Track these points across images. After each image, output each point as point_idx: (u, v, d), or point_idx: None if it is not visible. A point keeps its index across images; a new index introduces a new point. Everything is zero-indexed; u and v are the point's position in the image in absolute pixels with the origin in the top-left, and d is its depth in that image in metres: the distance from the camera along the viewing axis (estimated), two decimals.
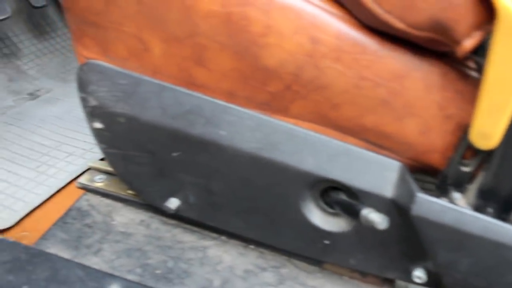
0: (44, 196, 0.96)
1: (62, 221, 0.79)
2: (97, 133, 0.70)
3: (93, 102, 0.67)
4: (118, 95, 0.65)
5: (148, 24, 0.57)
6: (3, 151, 1.10)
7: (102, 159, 1.06)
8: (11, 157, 1.08)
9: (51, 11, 1.53)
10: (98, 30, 0.62)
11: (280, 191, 0.61)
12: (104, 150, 0.71)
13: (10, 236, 0.82)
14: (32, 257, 0.69)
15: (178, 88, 0.61)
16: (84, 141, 1.12)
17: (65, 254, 0.73)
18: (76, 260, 0.72)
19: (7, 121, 1.20)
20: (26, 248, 0.70)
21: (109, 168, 0.85)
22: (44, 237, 0.77)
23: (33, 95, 1.31)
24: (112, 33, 0.61)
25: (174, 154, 0.65)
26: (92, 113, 0.68)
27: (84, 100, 0.68)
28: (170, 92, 0.62)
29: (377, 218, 0.49)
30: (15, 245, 0.71)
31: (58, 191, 0.98)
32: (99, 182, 0.83)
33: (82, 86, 0.67)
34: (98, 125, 0.69)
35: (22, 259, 0.69)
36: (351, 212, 0.55)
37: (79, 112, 1.24)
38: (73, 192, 0.98)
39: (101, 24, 0.61)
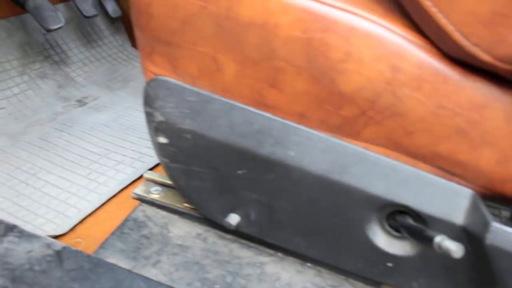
0: (95, 203, 0.98)
1: (119, 231, 0.81)
2: (160, 147, 0.71)
3: (159, 117, 0.68)
4: (185, 112, 0.66)
5: (224, 45, 0.58)
6: (55, 157, 1.13)
7: (151, 169, 1.08)
8: (63, 163, 1.11)
9: (99, 20, 1.57)
10: (170, 48, 0.64)
11: (346, 213, 0.62)
12: (166, 164, 0.73)
13: (64, 242, 0.83)
14: (95, 267, 0.71)
15: (248, 107, 0.62)
16: (132, 150, 1.14)
17: (124, 264, 0.75)
18: (135, 271, 0.73)
19: (58, 128, 1.24)
20: (89, 257, 0.72)
21: (165, 180, 0.86)
22: (102, 246, 0.78)
23: (81, 102, 1.34)
24: (185, 52, 0.62)
25: (240, 171, 0.66)
26: (157, 128, 0.69)
27: (149, 115, 0.70)
28: (239, 111, 0.63)
29: (452, 246, 0.49)
30: (78, 253, 0.72)
31: (109, 200, 1.00)
32: (155, 193, 0.85)
33: (149, 102, 0.69)
34: (162, 140, 0.70)
35: (85, 268, 0.70)
36: (420, 238, 0.55)
37: (125, 121, 1.27)
38: (124, 201, 1.00)
39: (175, 42, 0.62)
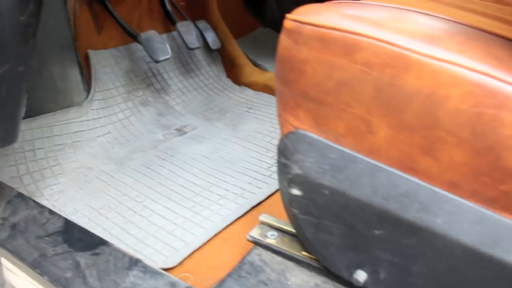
0: (202, 238, 1.00)
1: (236, 274, 0.82)
2: (292, 198, 0.72)
3: (296, 170, 0.69)
4: (325, 168, 0.67)
5: (380, 110, 0.59)
6: (159, 186, 1.16)
7: (254, 207, 1.09)
8: (167, 193, 1.14)
9: (198, 51, 1.62)
10: (318, 106, 0.65)
11: (492, 286, 0.60)
12: (294, 215, 0.73)
13: (173, 275, 0.85)
14: None
15: (393, 170, 0.62)
16: (234, 185, 1.16)
17: None
18: None
19: (160, 156, 1.28)
20: None
21: (281, 226, 0.87)
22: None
23: (180, 131, 1.38)
24: (335, 111, 0.63)
25: (376, 231, 0.65)
26: (292, 180, 0.70)
27: (285, 167, 0.71)
28: (384, 173, 0.63)
29: None
30: None
31: (214, 235, 1.02)
32: (271, 238, 0.85)
33: (286, 154, 0.70)
34: (296, 192, 0.71)
35: None
36: None
37: (224, 153, 1.29)
38: (229, 238, 1.02)
39: (325, 101, 0.63)
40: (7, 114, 0.91)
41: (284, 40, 0.65)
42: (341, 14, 0.62)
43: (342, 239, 0.70)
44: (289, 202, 0.73)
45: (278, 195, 1.13)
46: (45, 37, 1.15)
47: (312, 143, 0.67)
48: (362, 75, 0.58)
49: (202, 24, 1.54)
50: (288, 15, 0.65)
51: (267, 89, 1.58)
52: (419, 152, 0.59)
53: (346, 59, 0.59)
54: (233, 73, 1.67)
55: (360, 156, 0.64)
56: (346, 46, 0.59)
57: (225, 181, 1.17)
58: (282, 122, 0.72)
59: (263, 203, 1.11)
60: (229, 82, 1.66)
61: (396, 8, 0.65)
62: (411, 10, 0.64)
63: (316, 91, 0.64)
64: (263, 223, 0.89)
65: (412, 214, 0.61)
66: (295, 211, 0.73)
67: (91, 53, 1.37)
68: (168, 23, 1.58)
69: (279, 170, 0.73)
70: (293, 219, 0.75)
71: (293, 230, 0.83)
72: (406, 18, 0.62)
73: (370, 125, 0.61)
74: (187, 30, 1.44)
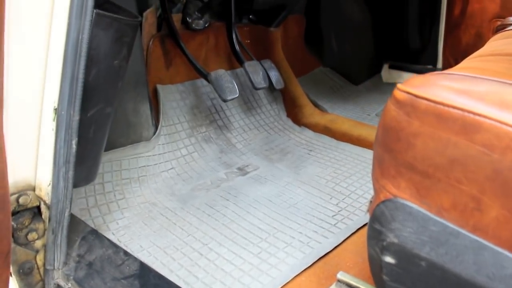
0: None
1: None
2: (383, 265, 0.71)
3: (392, 239, 0.68)
4: (424, 240, 0.65)
5: (495, 190, 0.57)
6: (224, 229, 1.16)
7: (322, 258, 1.08)
8: (233, 237, 1.14)
9: (260, 90, 1.63)
10: (423, 178, 0.64)
11: None
12: (385, 281, 0.72)
13: None
14: None
15: (501, 250, 0.60)
16: (300, 232, 1.15)
17: None
18: None
19: (223, 196, 1.28)
20: None
21: (360, 286, 0.85)
22: None
23: (242, 171, 1.39)
24: (441, 185, 0.62)
25: None
26: (387, 248, 0.69)
27: (380, 234, 0.69)
28: (490, 252, 0.61)
29: None
30: None
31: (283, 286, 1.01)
32: None
33: (381, 221, 0.69)
34: (389, 259, 0.69)
35: None
36: None
37: (288, 198, 1.29)
38: None
39: (433, 175, 0.62)
40: (92, 153, 0.93)
41: (393, 110, 0.65)
42: (455, 90, 0.61)
43: None
44: (379, 268, 0.72)
45: (344, 246, 1.11)
46: None
47: (411, 213, 0.66)
48: (480, 155, 0.57)
49: (267, 63, 1.55)
50: (399, 86, 0.65)
51: (328, 131, 1.57)
52: None
53: (463, 138, 0.58)
54: (294, 113, 1.67)
55: (464, 231, 0.63)
56: (465, 125, 0.58)
57: (290, 228, 1.17)
58: (379, 187, 0.71)
59: (330, 254, 1.09)
60: (289, 121, 1.66)
61: (507, 83, 0.64)
62: None
63: (424, 164, 0.63)
64: (340, 281, 0.88)
65: None
66: (386, 278, 0.72)
67: (160, 87, 1.40)
68: (232, 60, 1.60)
69: (370, 235, 0.72)
70: (381, 285, 0.73)
71: None
72: None
73: (480, 203, 0.60)
74: (254, 70, 1.45)
